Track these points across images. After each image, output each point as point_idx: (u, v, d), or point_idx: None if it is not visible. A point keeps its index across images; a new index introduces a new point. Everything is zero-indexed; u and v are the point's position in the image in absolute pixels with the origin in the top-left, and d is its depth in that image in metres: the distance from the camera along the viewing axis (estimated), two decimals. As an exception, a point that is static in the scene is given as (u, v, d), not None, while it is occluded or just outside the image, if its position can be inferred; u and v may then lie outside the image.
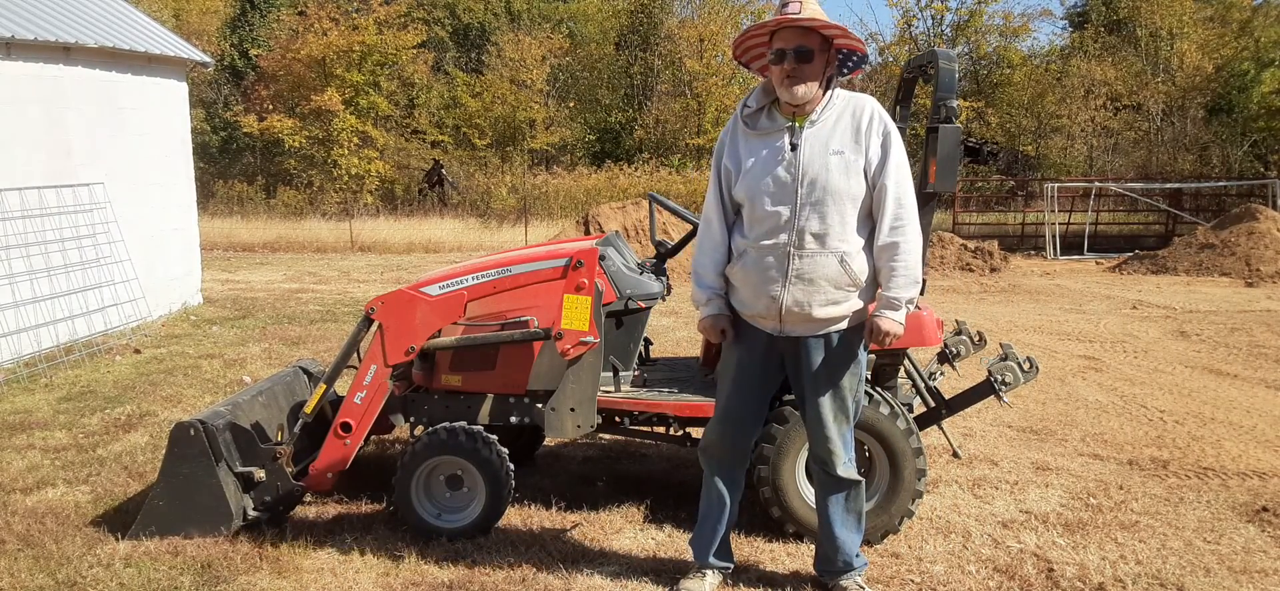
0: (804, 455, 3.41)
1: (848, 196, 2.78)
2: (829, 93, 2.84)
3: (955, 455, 4.33)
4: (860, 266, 2.82)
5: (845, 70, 2.93)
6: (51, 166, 7.70)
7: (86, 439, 4.98)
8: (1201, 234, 14.73)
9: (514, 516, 3.79)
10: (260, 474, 3.56)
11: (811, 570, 3.23)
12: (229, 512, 3.46)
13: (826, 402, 2.93)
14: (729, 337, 3.00)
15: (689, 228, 4.06)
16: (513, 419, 3.71)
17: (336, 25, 26.20)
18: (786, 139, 2.81)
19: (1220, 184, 21.47)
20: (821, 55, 2.78)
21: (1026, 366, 3.87)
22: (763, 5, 29.06)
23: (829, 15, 2.81)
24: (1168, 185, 20.95)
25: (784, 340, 2.92)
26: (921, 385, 3.99)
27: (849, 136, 2.80)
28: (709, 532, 3.13)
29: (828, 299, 2.81)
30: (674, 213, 4.23)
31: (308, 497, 3.93)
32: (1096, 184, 20.39)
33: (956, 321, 4.45)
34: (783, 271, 2.81)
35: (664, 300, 4.15)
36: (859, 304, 2.87)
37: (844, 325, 2.88)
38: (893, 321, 2.81)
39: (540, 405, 3.67)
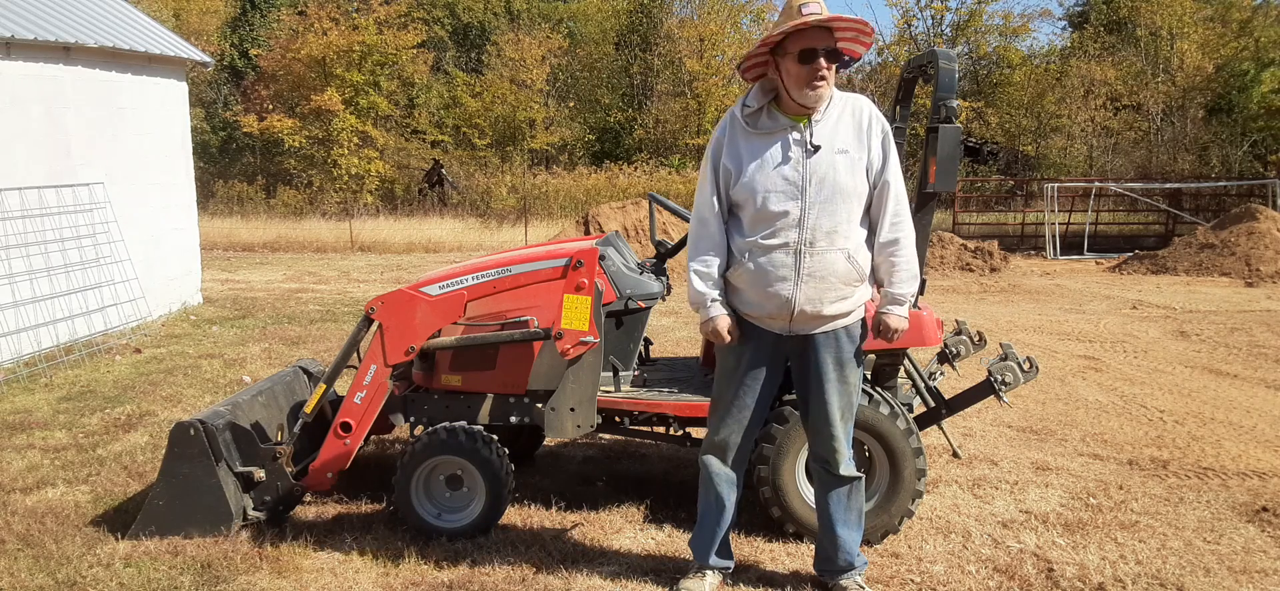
0: (804, 455, 3.41)
1: (854, 194, 2.81)
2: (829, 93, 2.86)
3: (955, 455, 4.33)
4: (864, 261, 2.86)
5: (837, 70, 2.94)
6: (51, 166, 7.70)
7: (86, 438, 4.98)
8: (1201, 234, 14.73)
9: (514, 516, 3.79)
10: (260, 473, 3.57)
11: (811, 570, 3.23)
12: (229, 512, 3.46)
13: (835, 399, 2.94)
14: (736, 338, 2.96)
15: (688, 227, 4.06)
16: (513, 419, 3.72)
17: (336, 25, 26.21)
18: (793, 137, 2.81)
19: (1220, 184, 21.48)
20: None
21: (1026, 366, 3.87)
22: (762, 5, 29.08)
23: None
24: (1167, 185, 20.96)
25: (790, 339, 2.92)
26: (921, 385, 3.99)
27: (851, 135, 2.82)
28: (709, 532, 3.13)
29: (838, 295, 2.84)
30: (674, 213, 4.23)
31: (308, 497, 3.94)
32: (1096, 184, 20.40)
33: (956, 321, 4.45)
34: (795, 270, 2.81)
35: (664, 300, 4.15)
36: (862, 299, 2.91)
37: (850, 320, 2.91)
38: (899, 317, 2.86)
39: (540, 405, 3.67)
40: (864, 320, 2.96)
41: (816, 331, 2.89)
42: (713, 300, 2.94)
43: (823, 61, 2.73)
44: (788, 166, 2.80)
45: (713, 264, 2.93)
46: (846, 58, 2.89)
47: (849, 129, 2.82)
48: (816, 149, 2.78)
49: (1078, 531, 3.72)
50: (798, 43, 2.74)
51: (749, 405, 3.02)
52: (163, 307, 9.11)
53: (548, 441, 4.69)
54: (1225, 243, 13.98)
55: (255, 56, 30.02)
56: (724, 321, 2.93)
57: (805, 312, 2.83)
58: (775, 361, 2.98)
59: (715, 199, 2.94)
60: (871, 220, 2.89)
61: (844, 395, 2.95)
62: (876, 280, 2.95)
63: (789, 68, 2.77)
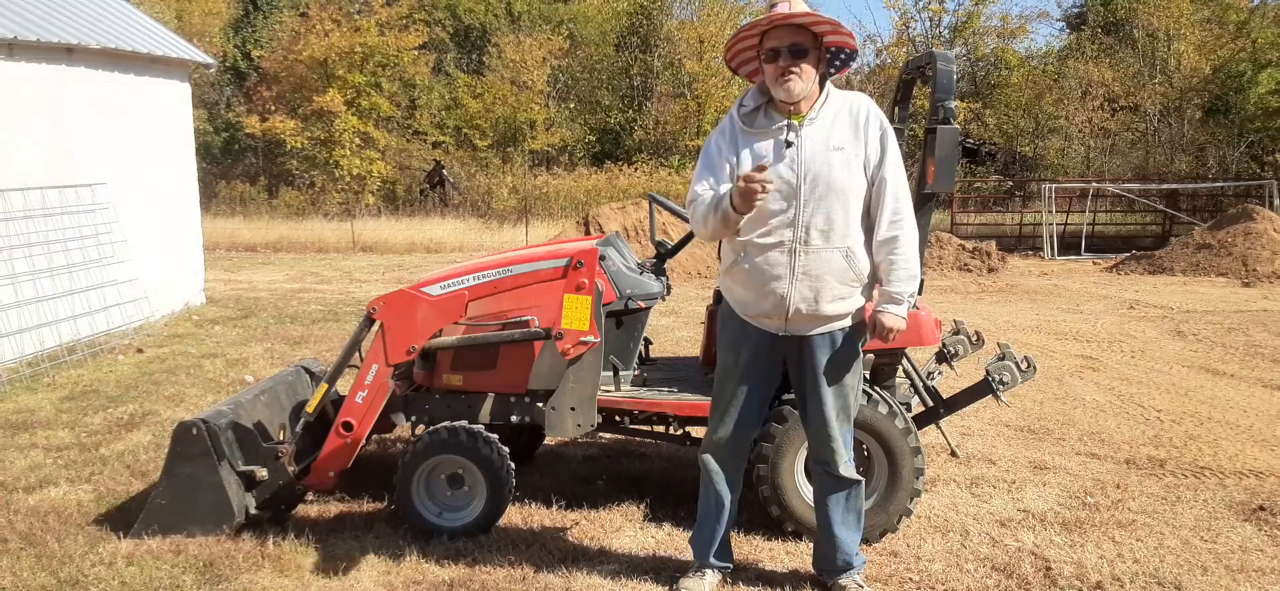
0: (803, 454, 3.43)
1: (851, 191, 2.81)
2: (824, 90, 2.87)
3: (953, 454, 4.36)
4: (863, 261, 2.85)
5: (835, 68, 2.95)
6: (54, 167, 7.72)
7: (89, 438, 5.00)
8: (1198, 234, 14.74)
9: (514, 515, 3.81)
10: (262, 473, 3.58)
11: (810, 569, 3.25)
12: (231, 511, 3.48)
13: (830, 402, 2.94)
14: (768, 177, 2.65)
15: (688, 227, 4.08)
16: (513, 418, 3.73)
17: (338, 27, 26.21)
18: (786, 136, 2.83)
19: (1217, 184, 21.49)
20: (814, 51, 2.80)
21: (1024, 366, 3.89)
22: (760, 6, 29.05)
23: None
24: (1165, 186, 20.96)
25: (787, 340, 2.92)
26: (920, 384, 4.01)
27: (848, 132, 2.82)
28: (708, 532, 3.15)
29: (835, 295, 2.83)
30: (674, 213, 4.25)
31: (309, 496, 3.96)
32: (1094, 184, 20.40)
33: (954, 321, 4.47)
34: (790, 268, 2.81)
35: (664, 300, 4.17)
36: (862, 300, 2.90)
37: (848, 322, 2.91)
38: (895, 317, 2.83)
39: (541, 404, 3.69)
40: (862, 323, 2.95)
41: (814, 333, 2.89)
42: (720, 188, 2.80)
43: (784, 59, 2.75)
44: (782, 165, 2.80)
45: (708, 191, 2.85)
46: (837, 53, 2.90)
47: (846, 126, 2.83)
48: (793, 145, 2.79)
49: (1075, 530, 3.74)
50: (766, 41, 2.80)
51: (745, 404, 3.03)
52: (165, 307, 9.13)
53: (548, 441, 4.71)
54: (1222, 243, 14.00)
55: (257, 58, 30.02)
56: (741, 181, 2.67)
57: (801, 312, 2.84)
58: (773, 361, 2.99)
59: (713, 178, 2.87)
60: (872, 218, 2.88)
61: (840, 397, 2.95)
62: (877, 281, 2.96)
63: (764, 65, 2.82)
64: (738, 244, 2.90)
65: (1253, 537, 3.70)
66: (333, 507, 3.92)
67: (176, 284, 9.52)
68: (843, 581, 3.11)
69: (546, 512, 3.87)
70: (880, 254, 2.85)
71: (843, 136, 2.81)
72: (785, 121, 2.83)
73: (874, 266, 2.89)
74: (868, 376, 3.72)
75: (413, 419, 3.81)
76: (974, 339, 4.32)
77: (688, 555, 3.31)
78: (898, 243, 2.81)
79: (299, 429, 3.72)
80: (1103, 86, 25.89)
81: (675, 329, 8.55)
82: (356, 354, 3.82)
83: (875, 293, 2.97)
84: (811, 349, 2.91)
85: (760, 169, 2.65)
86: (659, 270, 4.17)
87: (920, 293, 3.60)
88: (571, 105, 30.23)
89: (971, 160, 25.07)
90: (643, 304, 3.94)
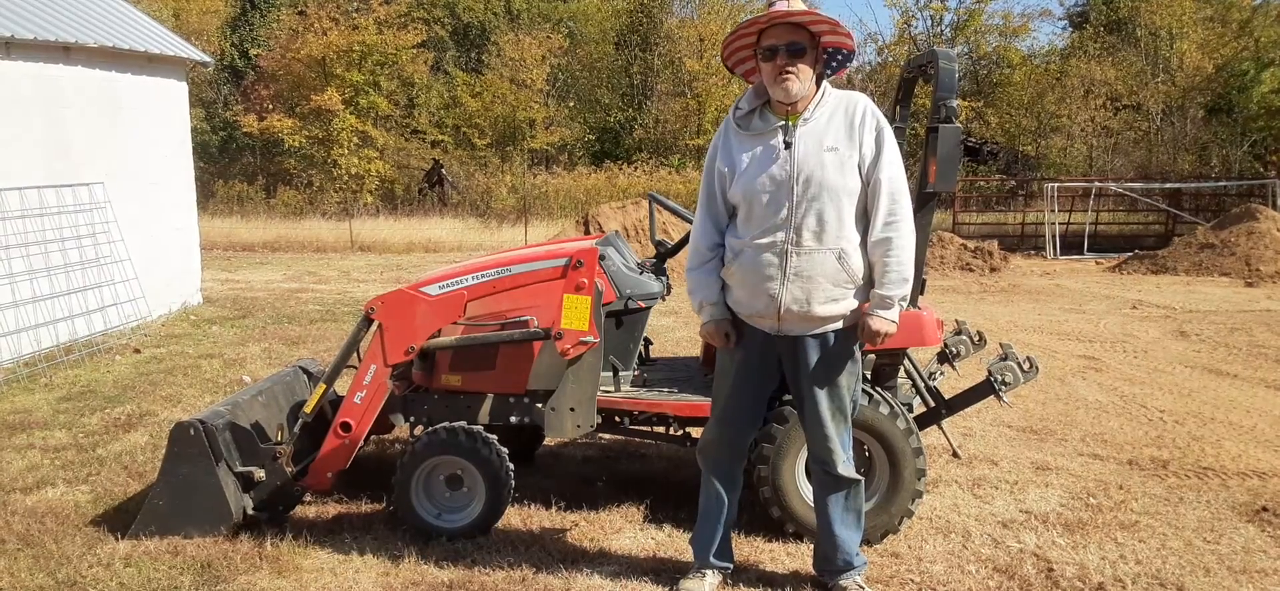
0: (804, 455, 3.41)
1: (844, 192, 2.78)
2: (820, 90, 2.84)
3: (955, 455, 4.34)
4: (857, 263, 2.82)
5: (832, 68, 2.92)
6: (51, 166, 7.70)
7: (86, 438, 4.98)
8: (1201, 234, 14.73)
9: (514, 516, 3.79)
10: (260, 473, 3.57)
11: (811, 569, 3.23)
12: (229, 512, 3.47)
13: (824, 402, 2.92)
14: (733, 342, 2.97)
15: (688, 227, 4.06)
16: (513, 418, 3.72)
17: (336, 25, 26.22)
18: (780, 137, 2.81)
19: (1220, 184, 21.47)
20: (811, 51, 2.78)
21: (1026, 366, 3.87)
22: (760, 5, 29.05)
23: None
24: (1167, 185, 20.95)
25: (781, 340, 2.91)
26: (921, 385, 3.99)
27: (842, 133, 2.80)
28: (709, 532, 3.13)
29: (827, 296, 2.81)
30: (674, 212, 4.24)
31: (307, 497, 3.94)
32: (1096, 184, 20.39)
33: (956, 321, 4.45)
34: (781, 269, 2.80)
35: (664, 300, 4.15)
36: (857, 302, 2.87)
37: (841, 324, 2.88)
38: (885, 320, 2.80)
39: (540, 405, 3.67)
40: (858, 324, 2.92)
41: (805, 333, 2.87)
42: (710, 304, 2.96)
43: (782, 57, 2.74)
44: (775, 165, 2.79)
45: (707, 269, 2.96)
46: (835, 54, 2.88)
47: (840, 126, 2.80)
48: (789, 146, 2.78)
49: (1077, 531, 3.72)
50: (764, 39, 2.79)
51: (743, 404, 3.02)
52: (163, 307, 9.11)
53: (548, 441, 4.69)
54: (1225, 242, 13.99)
55: (255, 56, 30.03)
56: (721, 324, 2.94)
57: (793, 312, 2.82)
58: (768, 360, 2.98)
59: (712, 205, 2.95)
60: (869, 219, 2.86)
61: (834, 398, 2.93)
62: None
63: (761, 64, 2.81)
64: (737, 244, 2.89)
65: (1256, 539, 3.68)
66: (331, 508, 3.91)
67: (173, 283, 9.51)
68: (843, 582, 3.09)
69: (546, 513, 3.85)
70: (874, 255, 2.82)
71: (837, 137, 2.79)
72: (782, 124, 2.81)
73: (870, 267, 2.86)
74: (869, 377, 3.70)
75: (411, 419, 3.79)
76: (976, 339, 4.30)
77: (688, 556, 3.29)
78: (891, 244, 2.78)
79: (297, 429, 3.71)
80: (1105, 85, 25.89)
81: (675, 329, 8.53)
82: (355, 354, 3.80)
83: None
84: (805, 349, 2.89)
85: (728, 336, 2.96)
86: (659, 270, 4.15)
87: (922, 292, 3.58)
88: (571, 104, 30.24)
89: (973, 159, 25.03)
90: (643, 304, 3.93)
